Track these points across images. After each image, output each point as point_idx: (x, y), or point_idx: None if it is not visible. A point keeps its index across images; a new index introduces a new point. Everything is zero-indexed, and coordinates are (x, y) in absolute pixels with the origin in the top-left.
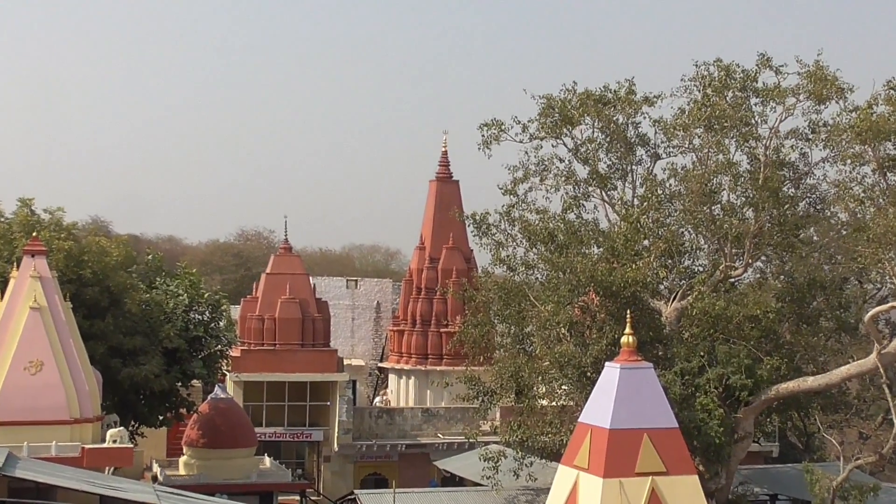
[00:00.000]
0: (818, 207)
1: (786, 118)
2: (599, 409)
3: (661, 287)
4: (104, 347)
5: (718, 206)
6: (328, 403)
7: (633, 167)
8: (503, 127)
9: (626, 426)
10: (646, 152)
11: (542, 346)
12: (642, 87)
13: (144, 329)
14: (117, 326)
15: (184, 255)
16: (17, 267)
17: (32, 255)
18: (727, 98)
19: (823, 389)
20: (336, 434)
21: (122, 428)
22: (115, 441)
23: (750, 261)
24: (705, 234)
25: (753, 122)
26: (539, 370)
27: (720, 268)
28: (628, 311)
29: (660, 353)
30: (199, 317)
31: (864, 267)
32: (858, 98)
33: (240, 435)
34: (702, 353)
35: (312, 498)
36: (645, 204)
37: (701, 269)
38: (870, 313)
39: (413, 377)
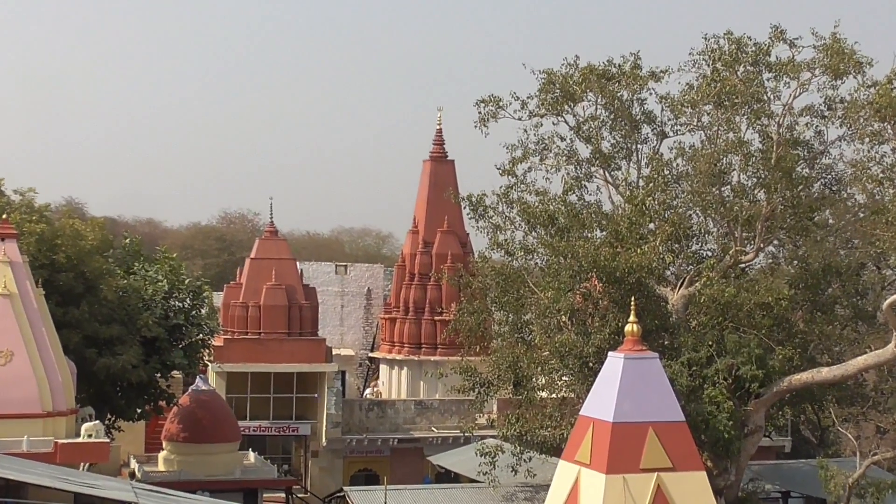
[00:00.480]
0: (834, 188)
1: (800, 94)
2: (602, 402)
3: (668, 273)
4: (79, 336)
5: (728, 187)
6: (316, 396)
7: (639, 146)
8: (501, 104)
9: (630, 419)
10: (652, 130)
11: (541, 335)
12: (648, 61)
13: (122, 317)
14: (93, 314)
15: (163, 239)
16: None
17: (2, 239)
18: (738, 73)
19: (839, 381)
20: (324, 428)
21: (97, 422)
22: (90, 435)
23: (762, 245)
24: (714, 216)
25: (766, 98)
26: (538, 360)
27: (730, 252)
28: (633, 298)
29: (666, 343)
30: (180, 304)
31: (882, 251)
32: (877, 72)
33: (222, 429)
34: (710, 343)
35: (299, 495)
36: (651, 185)
37: (710, 253)
38: (888, 300)
39: (406, 368)
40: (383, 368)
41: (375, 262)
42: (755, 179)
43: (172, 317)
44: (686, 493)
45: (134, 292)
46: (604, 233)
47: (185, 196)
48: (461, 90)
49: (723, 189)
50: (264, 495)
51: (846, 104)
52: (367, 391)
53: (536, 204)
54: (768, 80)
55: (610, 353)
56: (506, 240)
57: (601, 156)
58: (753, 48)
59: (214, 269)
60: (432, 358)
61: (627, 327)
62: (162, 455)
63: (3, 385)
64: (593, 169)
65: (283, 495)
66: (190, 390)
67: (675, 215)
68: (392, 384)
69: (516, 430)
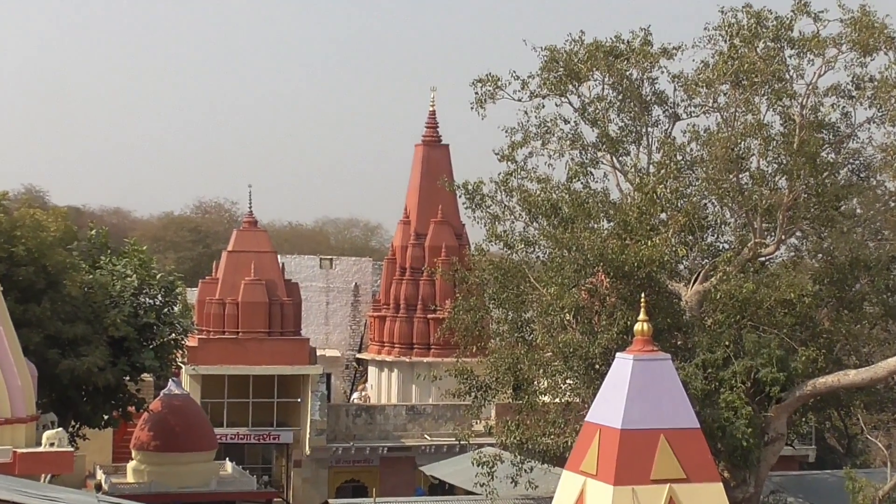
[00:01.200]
0: (862, 175)
1: (825, 72)
2: (609, 407)
3: (681, 267)
4: (40, 336)
5: (747, 173)
6: (299, 400)
7: (649, 129)
8: (499, 83)
9: (639, 426)
10: (663, 112)
11: (543, 335)
12: (659, 37)
13: (87, 315)
14: (55, 312)
15: (133, 230)
16: None
17: None
18: (758, 49)
19: (867, 384)
20: (308, 435)
21: (60, 429)
22: (52, 444)
23: (783, 237)
24: (731, 205)
25: (788, 76)
26: (540, 362)
27: (749, 245)
28: (643, 295)
29: (679, 343)
30: (151, 301)
31: None
32: None
33: (197, 436)
34: (727, 343)
35: None
36: (662, 171)
37: (726, 246)
38: None
39: (396, 370)
40: (372, 371)
41: (363, 255)
42: (776, 165)
43: (142, 315)
44: None
45: (100, 288)
46: (611, 223)
47: (156, 184)
48: (456, 69)
49: (741, 176)
50: None
51: (876, 83)
52: (355, 395)
53: (538, 192)
54: (790, 57)
55: (618, 354)
56: (505, 231)
57: (608, 140)
58: (774, 22)
59: (188, 263)
60: (425, 359)
61: (637, 326)
62: (131, 465)
63: None
64: (600, 154)
65: None
66: (161, 395)
67: (689, 204)
68: (381, 388)
69: (516, 437)
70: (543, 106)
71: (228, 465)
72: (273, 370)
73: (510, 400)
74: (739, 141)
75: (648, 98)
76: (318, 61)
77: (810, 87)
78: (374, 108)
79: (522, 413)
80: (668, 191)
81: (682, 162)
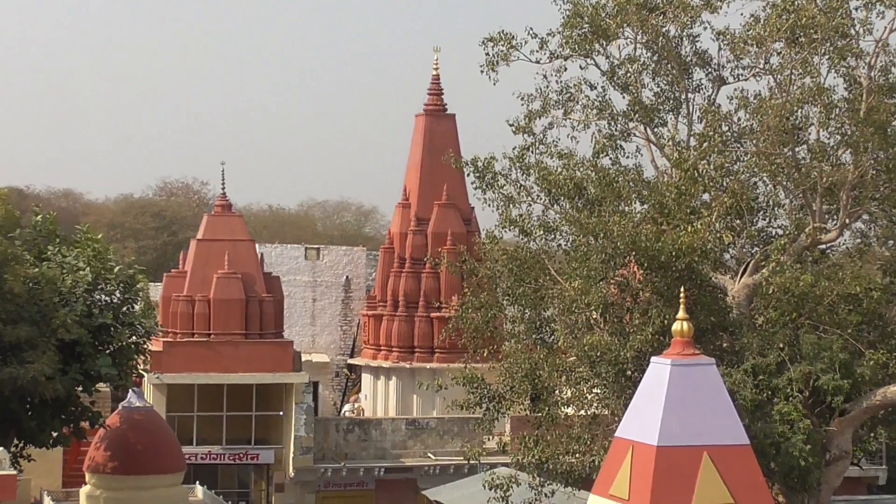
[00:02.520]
0: None
1: None
2: (643, 420)
3: (727, 256)
4: None
5: (804, 146)
6: (281, 413)
7: (689, 95)
8: (514, 42)
9: (679, 442)
10: (706, 75)
11: (566, 336)
12: None
13: (32, 315)
14: None
15: (86, 216)
16: None
17: None
18: (817, 1)
19: None
20: (292, 454)
21: (1, 449)
22: None
23: (847, 220)
24: (786, 184)
25: (853, 32)
26: (563, 368)
27: (806, 230)
28: (682, 289)
29: (725, 345)
30: (107, 298)
31: None
32: None
33: (162, 456)
34: (781, 345)
35: None
36: (705, 145)
37: (780, 231)
38: None
39: (395, 377)
40: (366, 378)
41: (355, 243)
42: (839, 137)
43: (98, 315)
44: None
45: (48, 283)
46: (645, 206)
47: (113, 161)
48: (464, 26)
49: (797, 149)
50: None
51: None
52: (346, 408)
53: (559, 169)
54: (857, 9)
55: (653, 359)
56: (520, 215)
57: (642, 108)
58: None
59: (151, 254)
60: (428, 365)
61: (675, 326)
62: (85, 490)
63: None
64: (632, 125)
65: None
66: (120, 408)
67: (737, 183)
68: (378, 398)
69: (535, 455)
70: (566, 69)
71: (199, 490)
72: (251, 378)
73: (527, 412)
74: (796, 108)
75: (689, 59)
76: (300, 16)
77: (880, 44)
78: (367, 72)
79: (542, 427)
80: (711, 167)
81: (729, 133)
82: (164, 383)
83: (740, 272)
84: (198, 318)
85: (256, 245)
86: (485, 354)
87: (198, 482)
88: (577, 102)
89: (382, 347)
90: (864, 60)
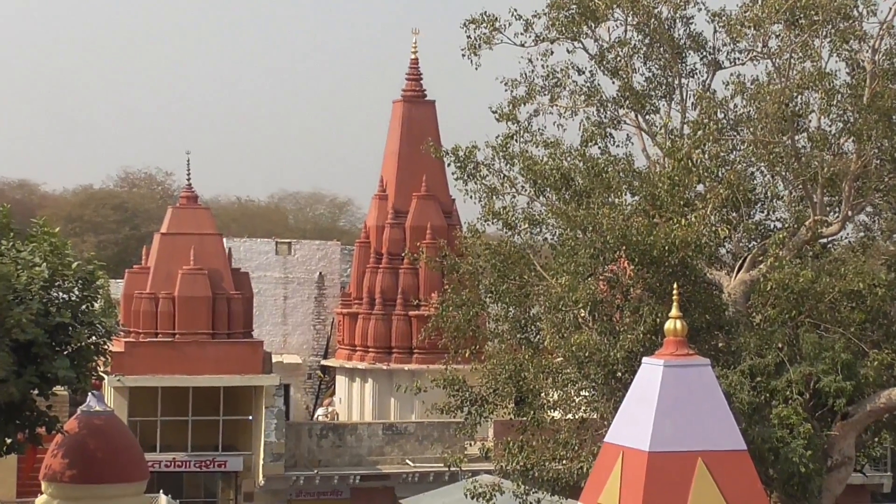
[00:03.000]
0: None
1: None
2: (634, 425)
3: (723, 251)
4: None
5: (804, 134)
6: (250, 418)
7: (683, 80)
8: (497, 24)
9: (672, 448)
10: (701, 59)
11: (552, 336)
12: None
13: None
14: None
15: (42, 208)
16: None
17: None
18: None
19: None
20: (261, 461)
21: None
22: None
23: (850, 213)
24: (786, 174)
25: (856, 14)
26: (549, 369)
27: (807, 223)
28: (675, 285)
29: (720, 345)
30: (65, 296)
31: None
32: None
33: (123, 464)
34: (780, 345)
35: None
36: (699, 133)
37: (779, 224)
38: None
39: (371, 379)
40: (341, 381)
41: (329, 237)
42: (841, 124)
43: (55, 313)
44: None
45: (1, 280)
46: (636, 197)
47: (70, 151)
48: (444, 6)
49: (797, 138)
50: None
51: None
52: (320, 412)
53: (545, 159)
54: None
55: (644, 360)
56: (504, 207)
57: (632, 94)
58: None
59: (112, 249)
60: (406, 366)
61: (668, 324)
62: (40, 500)
63: None
64: (622, 112)
65: None
66: (79, 412)
67: (733, 173)
68: (353, 402)
69: (520, 462)
70: (552, 52)
71: (162, 500)
72: (218, 381)
73: (512, 416)
74: (795, 94)
75: (682, 42)
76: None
77: (884, 26)
78: (341, 56)
79: (527, 432)
80: (706, 157)
81: (724, 121)
82: (125, 386)
83: (737, 268)
84: (162, 316)
85: (224, 239)
86: (466, 355)
87: (161, 491)
88: (565, 88)
89: (358, 348)
90: (868, 43)
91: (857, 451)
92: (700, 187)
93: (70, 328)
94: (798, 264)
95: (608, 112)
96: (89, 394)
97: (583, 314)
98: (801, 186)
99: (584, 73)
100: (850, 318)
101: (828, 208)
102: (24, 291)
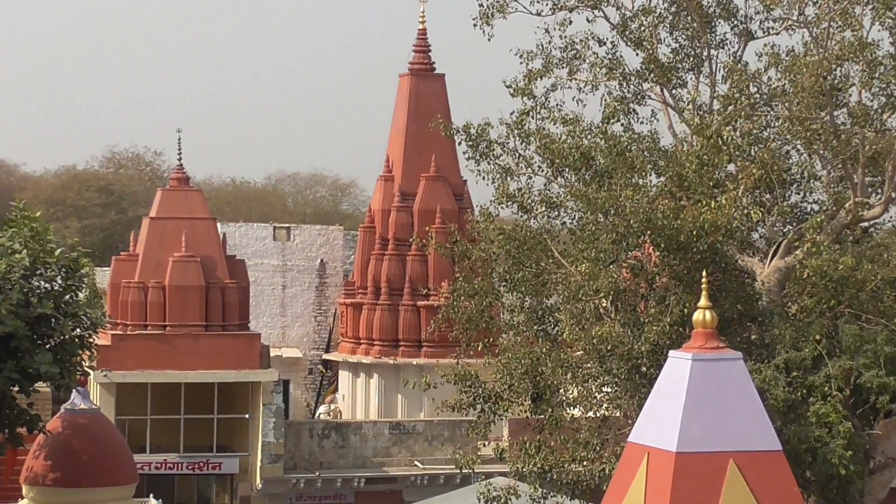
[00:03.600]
0: None
1: None
2: (660, 423)
3: (755, 236)
4: None
5: (845, 110)
6: (247, 416)
7: (713, 52)
8: None
9: (701, 448)
10: (732, 29)
11: (572, 327)
12: None
13: None
14: None
15: (22, 190)
16: None
17: None
18: None
19: None
20: (259, 463)
21: None
22: None
23: (893, 194)
24: (823, 153)
25: None
26: (568, 363)
27: (846, 205)
28: (704, 273)
29: (753, 337)
30: (47, 285)
31: None
32: None
33: (110, 466)
34: (818, 337)
35: None
36: (730, 108)
37: (817, 207)
38: None
39: (377, 375)
40: (344, 376)
41: (331, 222)
42: (884, 98)
43: (36, 304)
44: None
45: None
46: (662, 178)
47: (52, 129)
48: None
49: (836, 113)
50: None
51: None
52: (322, 409)
53: (564, 137)
54: None
55: (671, 353)
56: (519, 189)
57: (658, 66)
58: None
59: (98, 234)
60: (415, 361)
61: (697, 315)
62: None
63: None
64: (646, 86)
65: None
66: (62, 411)
67: (766, 152)
68: (357, 399)
69: (537, 463)
70: (571, 22)
71: None
72: (212, 376)
73: (528, 414)
74: (834, 66)
75: (711, 9)
76: None
77: None
78: (344, 27)
79: (545, 432)
80: (737, 134)
81: (757, 95)
82: (112, 382)
83: (771, 254)
84: (151, 307)
85: (218, 224)
86: (479, 348)
87: (151, 496)
88: (584, 60)
89: (362, 341)
90: None
91: None
92: (731, 167)
93: (52, 320)
94: (837, 250)
95: (631, 86)
96: (73, 390)
97: (604, 304)
98: (840, 166)
99: (605, 43)
100: (893, 308)
101: (869, 189)
102: (3, 281)
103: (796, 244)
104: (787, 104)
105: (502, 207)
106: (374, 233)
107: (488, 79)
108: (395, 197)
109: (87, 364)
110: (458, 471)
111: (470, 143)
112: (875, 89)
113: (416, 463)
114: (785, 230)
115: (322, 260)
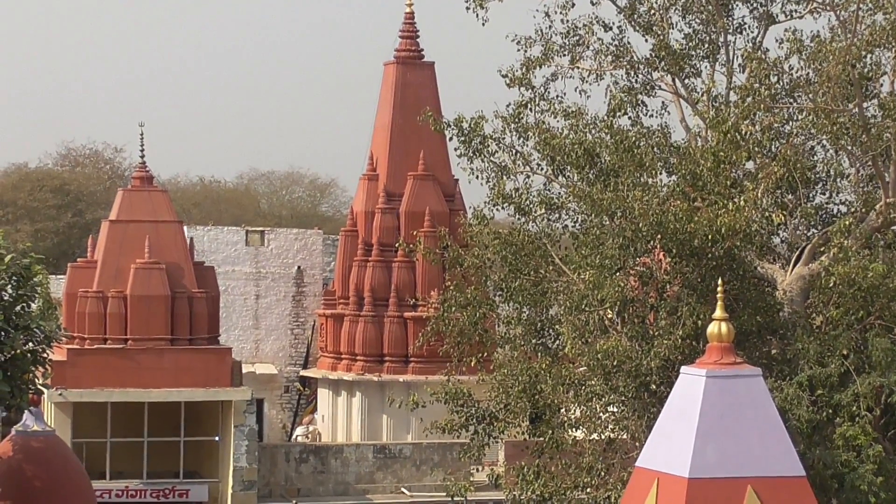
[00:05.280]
0: None
1: None
2: (672, 446)
3: (777, 240)
4: None
5: (875, 101)
6: (216, 438)
7: (730, 38)
8: None
9: (716, 474)
10: (751, 12)
11: (574, 341)
12: None
13: None
14: None
15: None
16: None
17: None
18: None
19: None
20: (230, 490)
21: None
22: None
23: None
24: (851, 149)
25: None
26: (570, 380)
27: (877, 207)
28: (720, 281)
29: (774, 352)
30: None
31: None
32: None
33: (66, 493)
34: (845, 352)
35: None
36: (749, 100)
37: (844, 209)
38: None
39: (359, 393)
40: (324, 395)
41: (310, 225)
42: None
43: None
44: None
45: None
46: (674, 177)
47: (1, 124)
48: None
49: (866, 105)
50: None
51: None
52: (299, 431)
53: (565, 131)
54: None
55: (683, 369)
56: (517, 189)
57: (669, 54)
58: None
59: (52, 239)
60: (401, 377)
61: (712, 327)
62: None
63: None
64: (656, 75)
65: None
66: (13, 433)
67: (789, 148)
68: (338, 419)
69: (536, 490)
70: (573, 4)
71: None
72: (179, 395)
73: (526, 436)
74: (864, 53)
75: None
76: None
77: None
78: (323, 10)
79: (544, 455)
80: (757, 128)
81: (779, 85)
82: (69, 402)
83: (793, 260)
84: (111, 319)
85: (185, 227)
86: (472, 364)
87: None
88: (588, 47)
89: (344, 356)
90: None
91: None
92: (750, 165)
93: (2, 333)
94: (867, 256)
95: (640, 75)
96: (25, 411)
97: (610, 315)
98: (870, 163)
99: (611, 28)
100: None
101: None
102: None
103: (822, 249)
104: (811, 95)
105: (497, 209)
106: (357, 237)
107: (482, 68)
108: (379, 198)
109: (41, 382)
110: (450, 498)
111: (462, 138)
112: None
113: (402, 490)
114: (809, 234)
115: (299, 267)
